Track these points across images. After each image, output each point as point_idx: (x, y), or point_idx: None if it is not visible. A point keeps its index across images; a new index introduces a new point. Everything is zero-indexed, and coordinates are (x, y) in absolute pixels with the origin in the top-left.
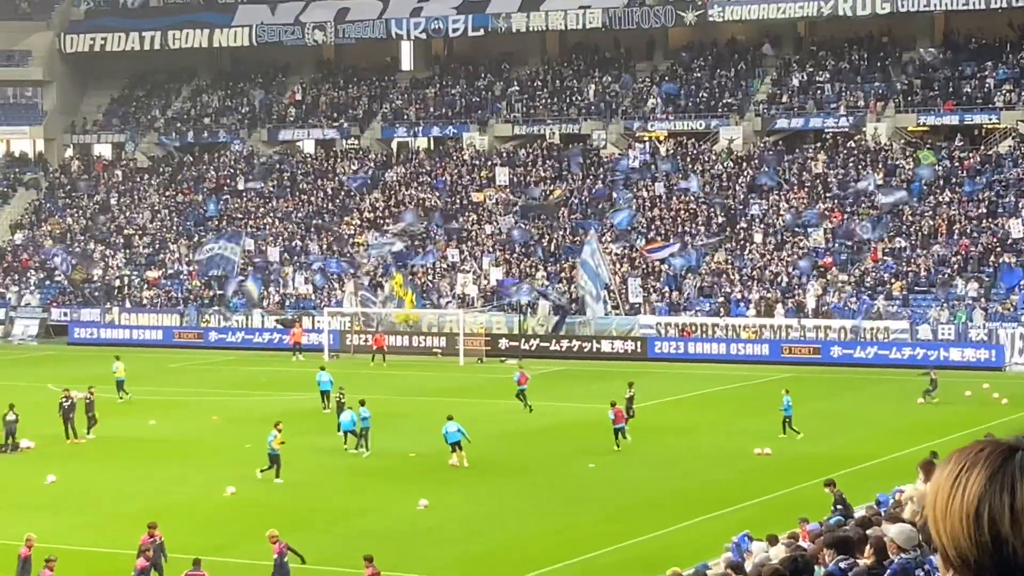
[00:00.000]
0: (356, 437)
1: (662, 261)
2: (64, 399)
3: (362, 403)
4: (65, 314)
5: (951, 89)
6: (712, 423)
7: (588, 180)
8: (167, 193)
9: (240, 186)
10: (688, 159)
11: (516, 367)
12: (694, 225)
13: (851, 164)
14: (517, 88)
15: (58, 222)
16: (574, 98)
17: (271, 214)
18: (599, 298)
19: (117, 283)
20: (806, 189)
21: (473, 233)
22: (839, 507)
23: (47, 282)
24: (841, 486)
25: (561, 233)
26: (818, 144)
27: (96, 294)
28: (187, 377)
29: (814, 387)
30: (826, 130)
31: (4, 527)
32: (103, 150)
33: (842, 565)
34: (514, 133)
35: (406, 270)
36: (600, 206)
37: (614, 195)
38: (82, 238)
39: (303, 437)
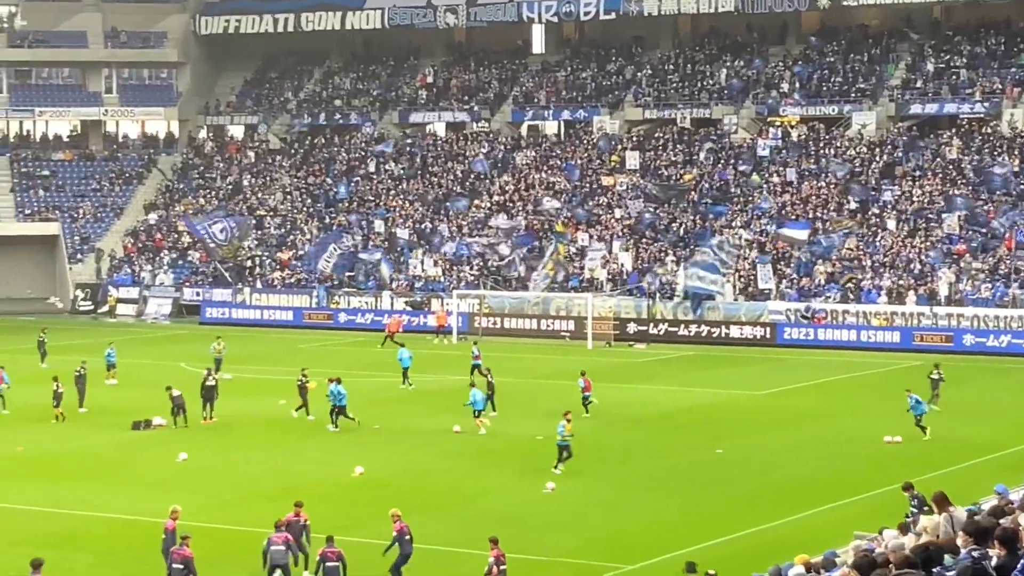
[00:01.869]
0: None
1: (792, 245)
2: (206, 379)
3: (337, 380)
4: (197, 294)
5: None
6: (841, 410)
7: (719, 165)
8: (298, 175)
9: (370, 168)
10: (820, 144)
11: (471, 343)
12: (826, 211)
13: (986, 151)
14: (648, 72)
15: (191, 203)
16: (705, 82)
17: (401, 196)
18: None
19: (248, 264)
20: (940, 176)
21: (602, 217)
22: (924, 510)
23: (180, 262)
24: (966, 477)
25: (692, 218)
26: (952, 130)
27: (228, 274)
28: (317, 358)
29: (945, 375)
30: (961, 116)
31: (137, 503)
32: (236, 131)
33: (975, 554)
34: (645, 117)
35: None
36: (730, 191)
37: (745, 180)
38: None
39: (433, 418)
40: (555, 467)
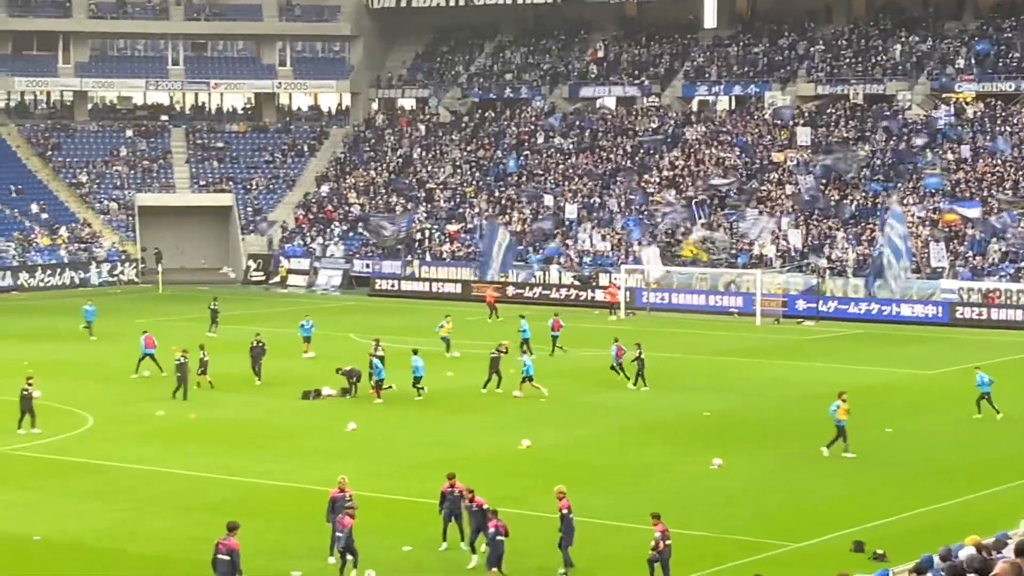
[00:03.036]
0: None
1: (966, 222)
2: (375, 350)
3: (415, 352)
4: (367, 265)
5: None
6: (1013, 391)
7: (891, 142)
8: (468, 148)
9: (540, 142)
10: (996, 121)
11: (552, 313)
12: (1001, 189)
13: None
14: (821, 47)
15: (362, 175)
16: (879, 58)
17: (570, 170)
18: (899, 276)
19: (418, 236)
20: None
21: (772, 193)
22: None
23: (351, 234)
24: None
25: (863, 195)
26: None
27: (398, 247)
28: (485, 330)
29: None
30: None
31: (305, 471)
32: (407, 105)
33: None
34: (817, 93)
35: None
36: (904, 168)
37: (919, 158)
38: (384, 191)
39: (596, 394)
40: (825, 448)
